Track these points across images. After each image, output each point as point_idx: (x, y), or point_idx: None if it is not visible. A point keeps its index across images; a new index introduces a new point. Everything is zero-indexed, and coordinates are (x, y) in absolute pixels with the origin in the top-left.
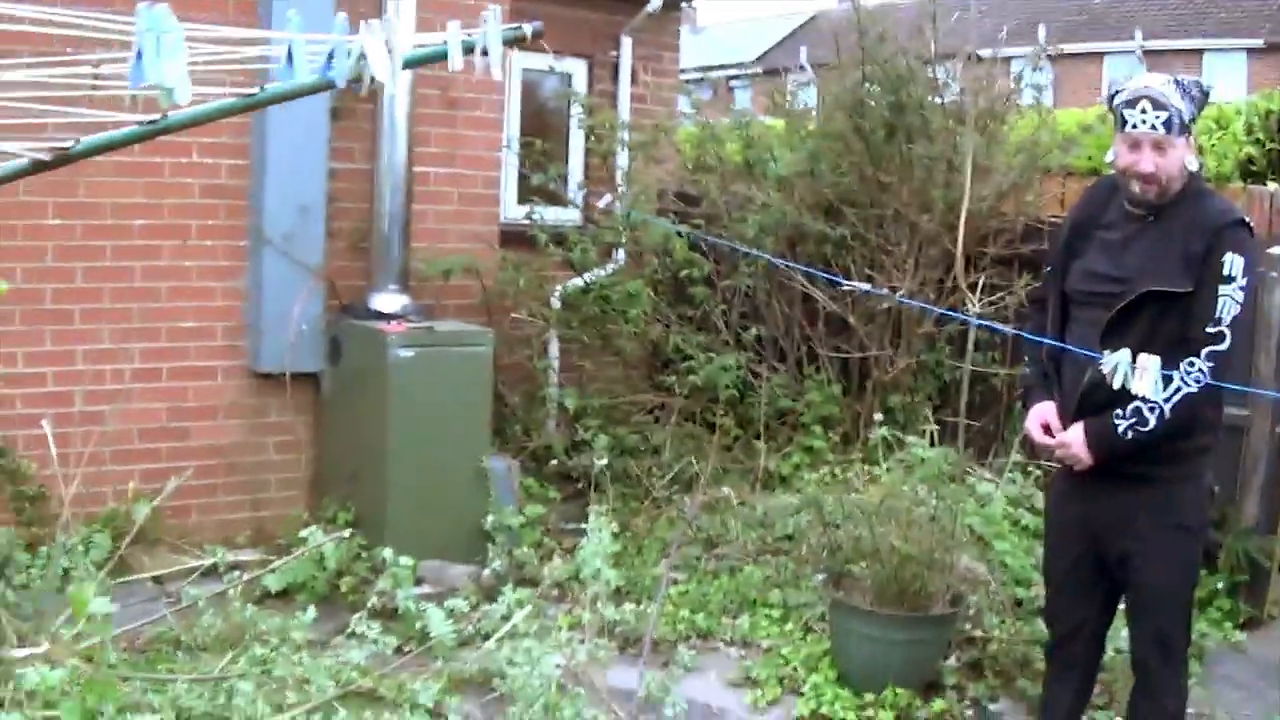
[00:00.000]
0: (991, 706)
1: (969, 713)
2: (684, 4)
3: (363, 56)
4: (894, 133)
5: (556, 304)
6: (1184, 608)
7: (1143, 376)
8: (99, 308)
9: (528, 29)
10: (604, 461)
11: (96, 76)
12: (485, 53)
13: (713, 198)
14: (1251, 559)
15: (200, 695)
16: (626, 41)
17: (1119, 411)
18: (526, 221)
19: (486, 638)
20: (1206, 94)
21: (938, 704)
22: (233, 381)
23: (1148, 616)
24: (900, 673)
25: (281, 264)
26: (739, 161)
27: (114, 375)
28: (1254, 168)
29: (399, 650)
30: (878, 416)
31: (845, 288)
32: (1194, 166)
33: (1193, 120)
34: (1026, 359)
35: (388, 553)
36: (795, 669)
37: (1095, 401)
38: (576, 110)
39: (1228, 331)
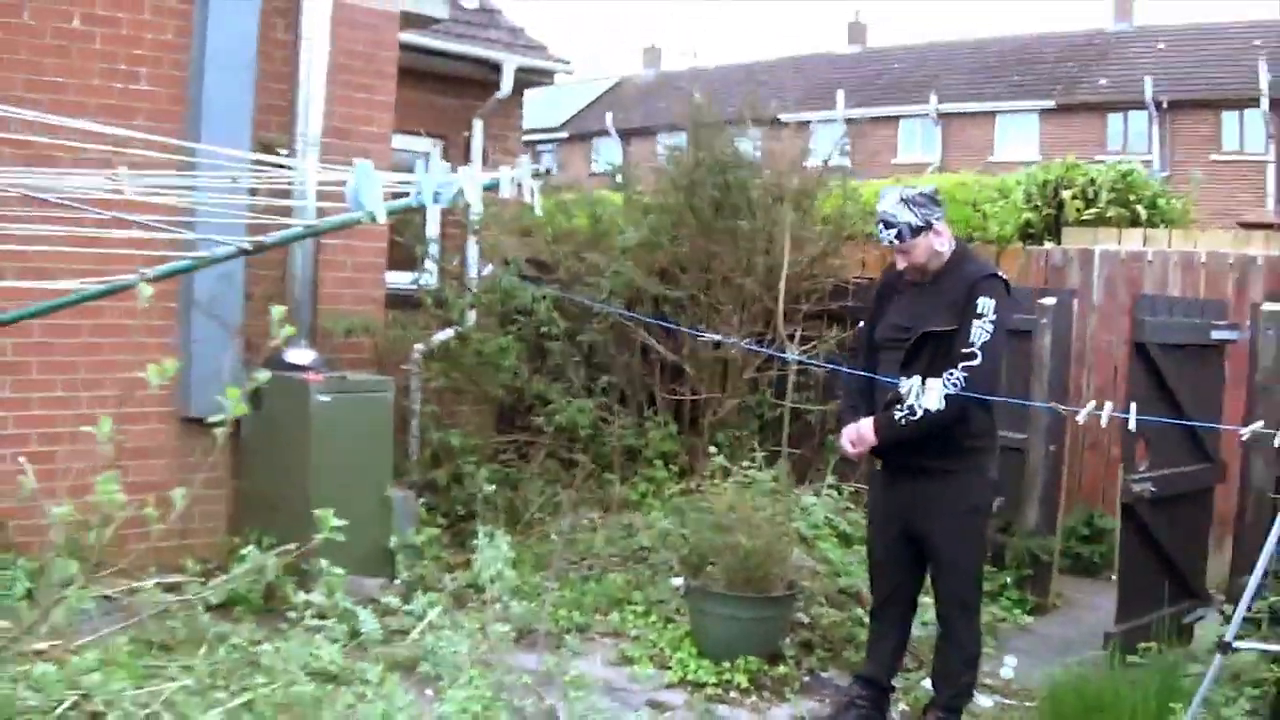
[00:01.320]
0: (823, 674)
1: (805, 677)
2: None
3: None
4: (721, 208)
5: (419, 357)
6: (975, 571)
7: (928, 394)
8: (52, 360)
9: (543, 168)
10: (492, 488)
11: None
12: (519, 185)
13: (567, 265)
14: (1034, 556)
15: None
16: (478, 124)
17: (898, 407)
18: (409, 287)
19: (405, 634)
20: (933, 197)
21: (781, 669)
22: (164, 426)
23: (946, 580)
24: (749, 645)
25: (207, 323)
26: (587, 232)
27: (63, 419)
28: (1031, 230)
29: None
30: (712, 449)
31: (696, 336)
32: (942, 248)
33: (925, 221)
34: (841, 395)
35: (323, 563)
36: (662, 649)
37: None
38: None
39: (979, 352)
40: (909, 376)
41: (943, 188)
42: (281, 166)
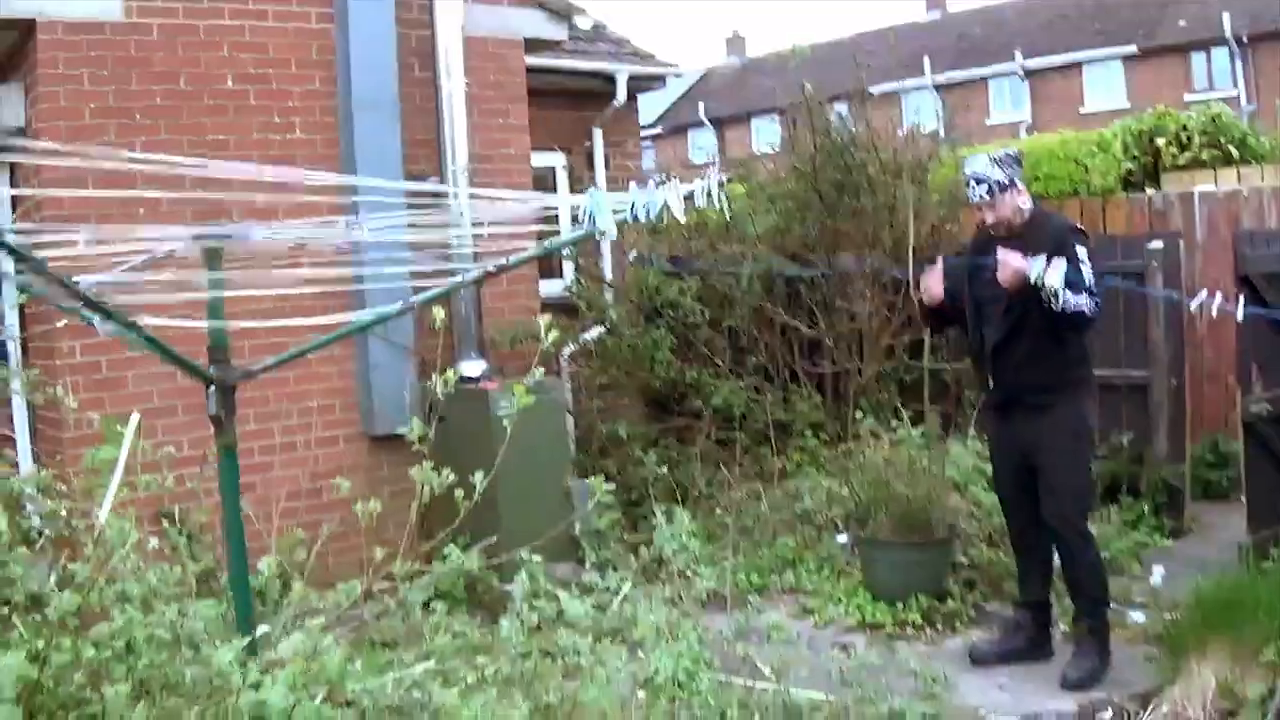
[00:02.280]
0: (987, 607)
1: (972, 611)
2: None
3: (666, 206)
4: (844, 189)
5: (567, 358)
6: (1082, 493)
7: (1054, 271)
8: (243, 395)
9: (724, 177)
10: (663, 469)
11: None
12: (709, 194)
13: (706, 256)
14: (1167, 483)
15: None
16: (597, 133)
17: (1044, 284)
18: (559, 294)
19: (602, 610)
20: (1017, 158)
21: (949, 605)
22: (352, 446)
23: (1055, 502)
24: (919, 586)
25: (383, 347)
26: (719, 224)
27: (261, 450)
28: (1132, 179)
29: (539, 628)
30: (858, 414)
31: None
32: (1025, 205)
33: (1010, 180)
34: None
35: (523, 553)
36: (839, 598)
37: (1006, 354)
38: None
39: (1095, 288)
40: (1011, 322)
41: (1045, 146)
42: (499, 200)
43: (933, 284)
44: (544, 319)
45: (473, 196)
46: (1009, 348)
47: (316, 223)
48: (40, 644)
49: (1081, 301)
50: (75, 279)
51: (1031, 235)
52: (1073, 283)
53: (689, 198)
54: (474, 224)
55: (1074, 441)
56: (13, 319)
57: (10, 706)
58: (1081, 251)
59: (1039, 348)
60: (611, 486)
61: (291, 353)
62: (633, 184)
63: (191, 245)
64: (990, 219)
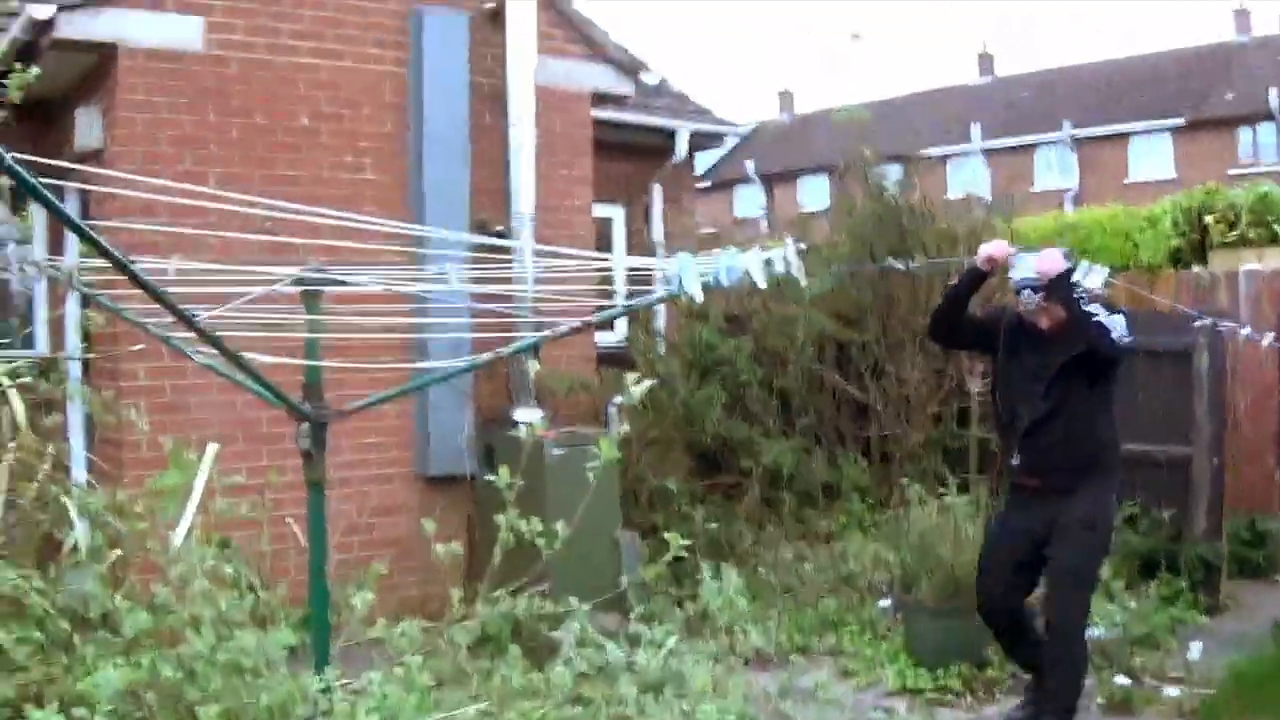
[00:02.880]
0: (1025, 676)
1: (1010, 680)
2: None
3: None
4: (897, 254)
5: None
6: (1090, 586)
7: (1091, 274)
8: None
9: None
10: (713, 526)
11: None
12: (787, 261)
13: (759, 316)
14: (1205, 561)
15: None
16: (656, 188)
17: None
18: (614, 345)
19: (647, 662)
20: (1069, 255)
21: (989, 672)
22: (406, 485)
23: (1063, 593)
24: (959, 653)
25: (441, 391)
26: (773, 284)
27: None
28: (1180, 255)
29: (584, 675)
30: (904, 480)
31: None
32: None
33: (1061, 280)
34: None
35: (573, 600)
36: (880, 661)
37: (1040, 434)
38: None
39: (1122, 330)
40: (1048, 403)
41: (1095, 220)
42: (558, 255)
43: (995, 249)
44: (629, 376)
45: (545, 253)
46: (1044, 427)
47: (404, 270)
48: (118, 661)
49: (1118, 321)
50: (191, 310)
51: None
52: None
53: (769, 264)
54: (552, 280)
55: (1092, 534)
56: (76, 340)
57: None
58: (1095, 307)
59: (1074, 429)
60: (683, 542)
61: (389, 394)
62: (719, 249)
63: (290, 286)
64: (1043, 325)
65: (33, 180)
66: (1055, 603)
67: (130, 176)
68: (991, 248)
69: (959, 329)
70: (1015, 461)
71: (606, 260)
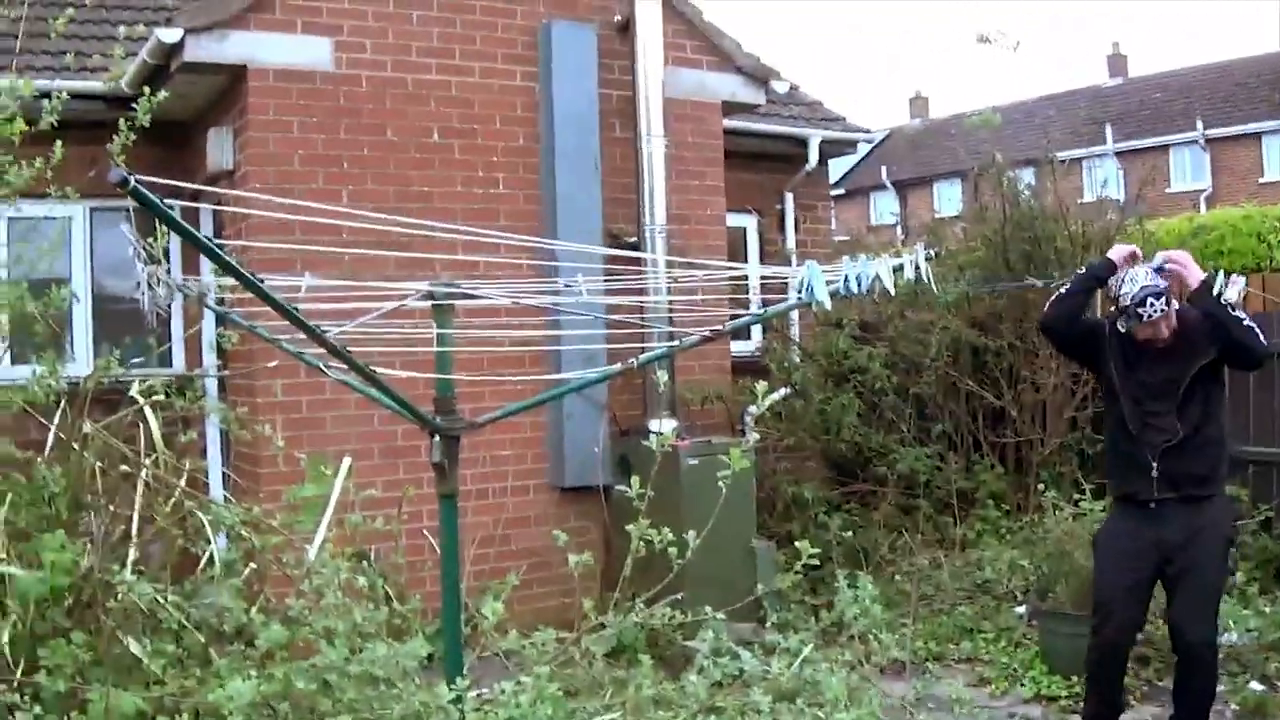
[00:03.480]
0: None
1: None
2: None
3: (877, 277)
4: (1032, 260)
5: (750, 420)
6: (1218, 598)
7: (1231, 285)
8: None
9: (929, 253)
10: (849, 534)
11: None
12: (917, 267)
13: (894, 323)
14: None
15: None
16: (789, 196)
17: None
18: (747, 354)
19: (781, 673)
20: (1162, 268)
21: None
22: (541, 496)
23: (1201, 610)
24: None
25: (576, 402)
26: (909, 291)
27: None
28: None
29: (719, 684)
30: (1040, 486)
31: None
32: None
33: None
34: (1068, 286)
35: (708, 609)
36: (1015, 669)
37: (1181, 446)
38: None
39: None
40: (1188, 414)
41: (1227, 221)
42: (688, 265)
43: (1123, 250)
44: (760, 385)
45: (678, 263)
46: (1184, 439)
47: (530, 283)
48: (254, 673)
49: (1252, 323)
50: (322, 327)
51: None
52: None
53: (898, 270)
54: (684, 290)
55: (1225, 545)
56: (211, 358)
57: None
58: (1228, 306)
59: (1207, 437)
60: (815, 550)
61: (520, 405)
62: (845, 257)
63: (420, 302)
64: (1164, 336)
65: (157, 200)
66: (1199, 616)
67: (257, 196)
68: (1127, 250)
69: (1076, 325)
70: (1155, 475)
71: (737, 270)
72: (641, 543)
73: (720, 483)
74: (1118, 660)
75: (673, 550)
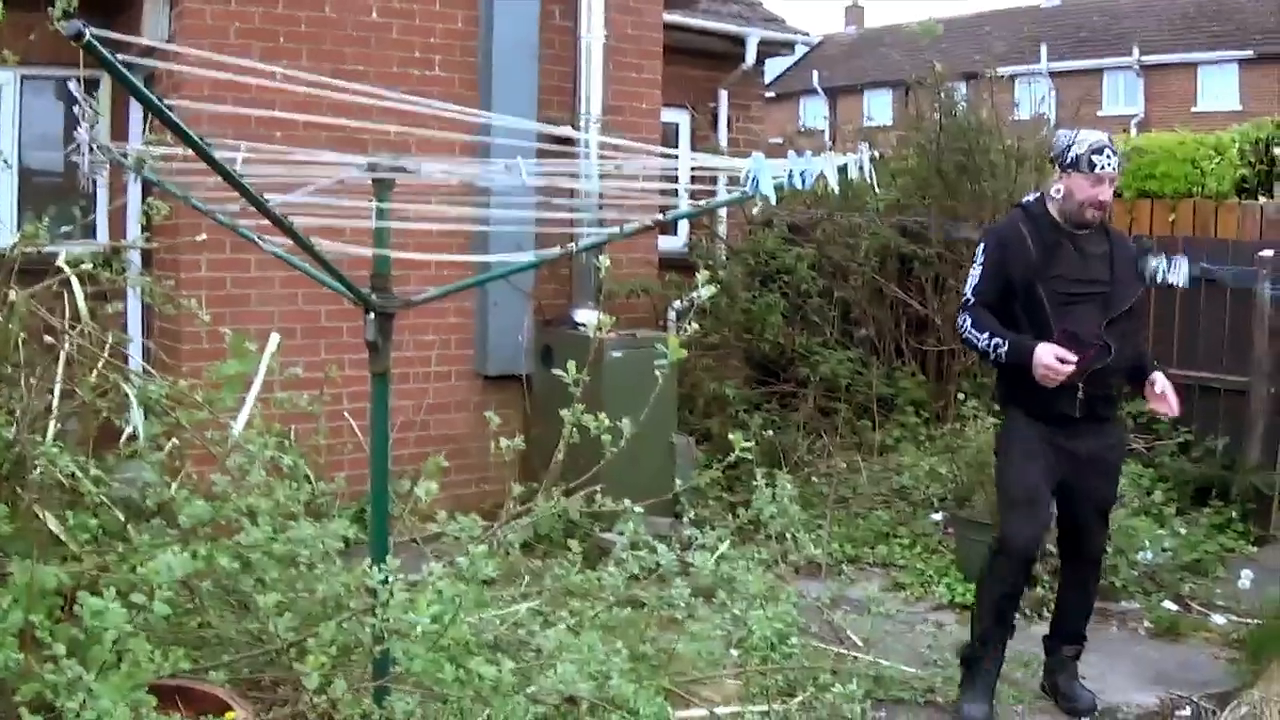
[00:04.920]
0: None
1: (1053, 596)
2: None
3: (821, 175)
4: (966, 171)
5: (674, 315)
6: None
7: (1177, 270)
8: (360, 325)
9: (876, 151)
10: (769, 433)
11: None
12: (861, 167)
13: (824, 228)
14: (1257, 490)
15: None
16: (723, 94)
17: (1154, 365)
18: (675, 250)
19: (697, 567)
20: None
21: (1039, 591)
22: (463, 383)
23: (1097, 535)
24: None
25: (502, 289)
26: (838, 196)
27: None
28: (1246, 186)
29: (634, 577)
30: (960, 396)
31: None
32: None
33: None
34: (990, 335)
35: (626, 502)
36: (930, 575)
37: (1100, 377)
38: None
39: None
40: (1113, 333)
41: (1162, 146)
42: (625, 150)
43: (1049, 357)
44: (700, 275)
45: (622, 149)
46: (1117, 355)
47: (470, 162)
48: (175, 549)
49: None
50: (268, 198)
51: (1102, 237)
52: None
53: (843, 169)
54: (619, 174)
55: (1122, 463)
56: (136, 231)
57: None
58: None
59: (1128, 358)
60: (745, 444)
61: (456, 285)
62: (791, 152)
63: (363, 174)
64: (1106, 197)
65: (114, 59)
66: (1095, 534)
67: (195, 52)
68: (1052, 357)
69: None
70: (1080, 395)
71: (676, 158)
72: (556, 432)
73: (658, 374)
74: (1029, 569)
75: (606, 438)
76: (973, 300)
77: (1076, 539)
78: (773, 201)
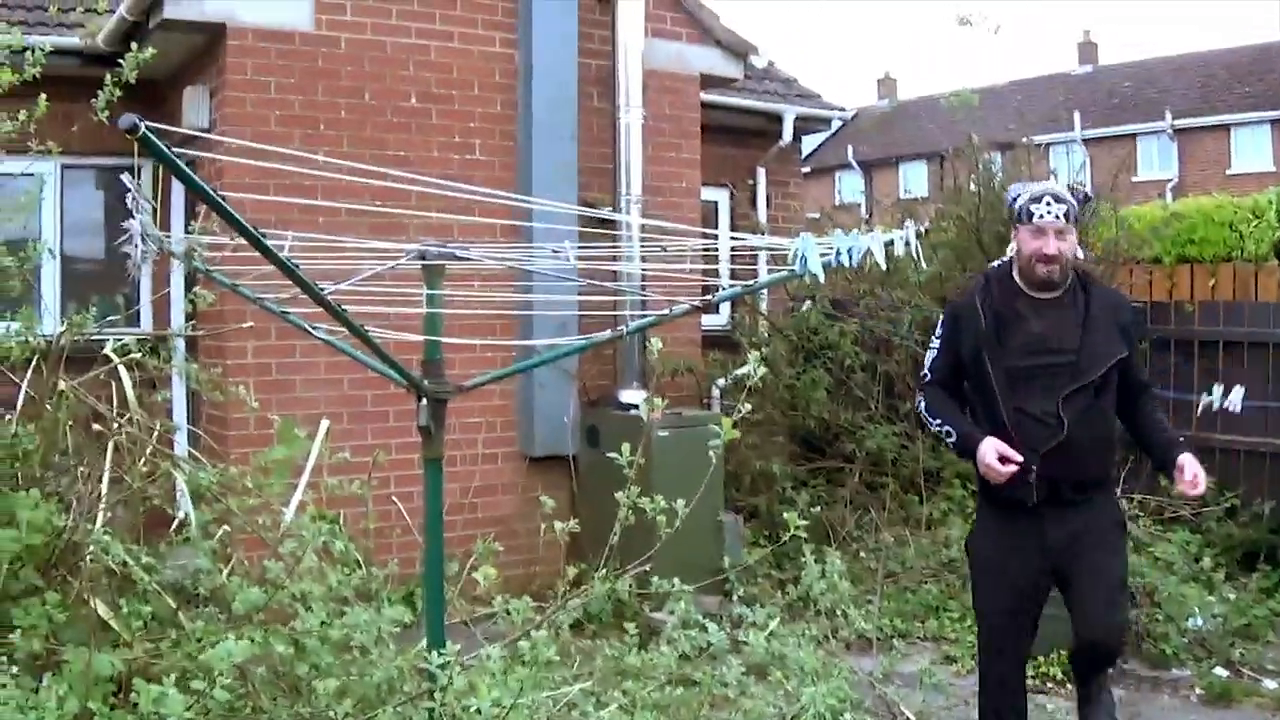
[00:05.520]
0: (1125, 666)
1: (1110, 670)
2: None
3: (869, 252)
4: (1005, 243)
5: (718, 393)
6: (1125, 587)
7: (1233, 399)
8: (405, 408)
9: (922, 227)
10: (817, 509)
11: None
12: (907, 243)
13: (865, 301)
14: None
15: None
16: (761, 172)
17: (1181, 438)
18: (717, 328)
19: (747, 644)
20: (1089, 198)
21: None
22: (509, 465)
23: (1102, 598)
24: (1060, 642)
25: (548, 372)
26: (880, 270)
27: (418, 463)
28: None
29: (685, 656)
30: None
31: None
32: (1077, 254)
33: (1078, 218)
34: (942, 423)
35: (675, 581)
36: None
37: (1062, 451)
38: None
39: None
40: (1074, 407)
41: (1200, 210)
42: (666, 231)
43: (991, 453)
44: (752, 355)
45: (667, 231)
46: (1077, 431)
47: (515, 247)
48: (232, 637)
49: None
50: (320, 285)
51: (1078, 298)
52: (1143, 374)
53: (889, 245)
54: (663, 255)
55: (1119, 531)
56: (179, 319)
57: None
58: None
59: (1100, 434)
60: (801, 521)
61: (509, 370)
62: (838, 230)
63: (413, 260)
64: (1052, 250)
65: (168, 151)
66: (1114, 612)
67: (239, 142)
68: (994, 453)
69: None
70: (1031, 479)
71: (741, 240)
72: (604, 512)
73: (710, 453)
74: (1009, 689)
75: (661, 519)
76: (929, 378)
77: (1080, 623)
78: (820, 279)
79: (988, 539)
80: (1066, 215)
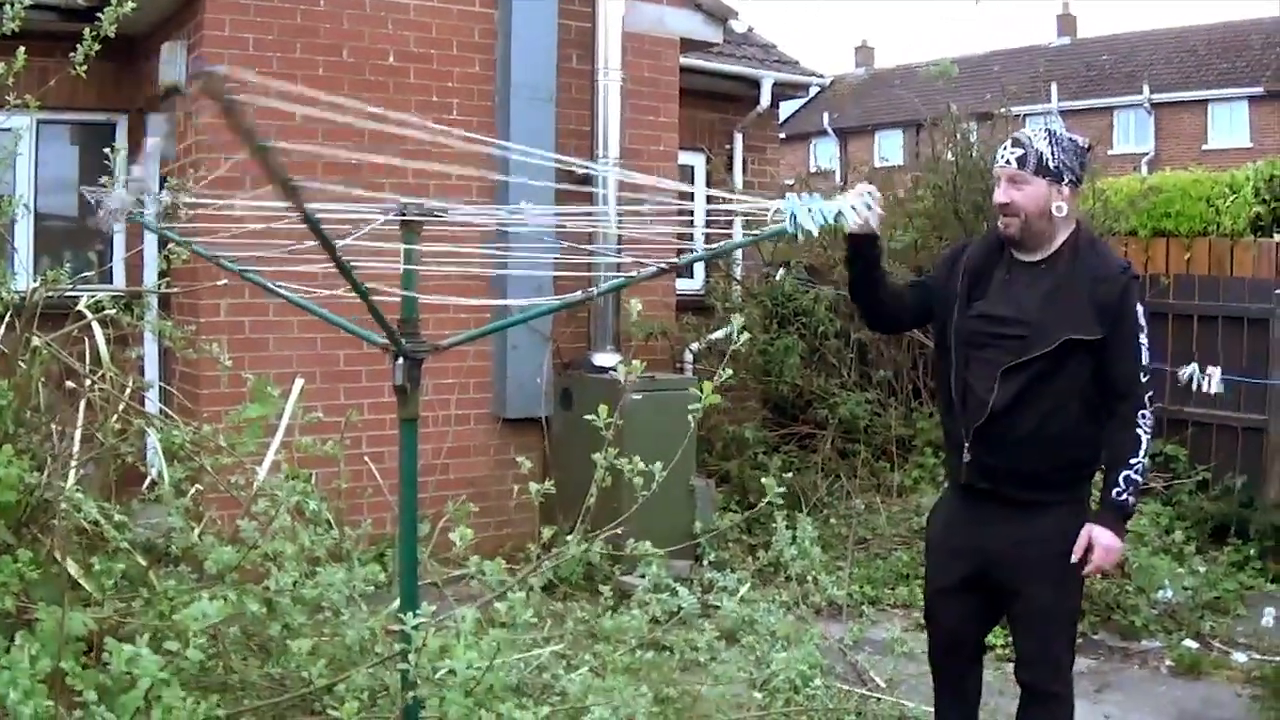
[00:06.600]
0: (1094, 636)
1: (1080, 640)
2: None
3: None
4: (982, 211)
5: (691, 357)
6: (1071, 630)
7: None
8: (379, 368)
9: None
10: (788, 475)
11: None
12: (869, 206)
13: (840, 269)
14: (1276, 527)
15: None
16: (738, 137)
17: (1117, 489)
18: (692, 292)
19: (718, 609)
20: (1084, 148)
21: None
22: (482, 427)
23: (1037, 637)
24: None
25: (522, 333)
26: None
27: (391, 423)
28: (1261, 223)
29: (656, 620)
30: None
31: None
32: (1058, 213)
33: (1064, 168)
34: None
35: (646, 544)
36: None
37: (1004, 415)
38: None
39: (1148, 377)
40: (1011, 387)
41: (1177, 184)
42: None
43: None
44: (735, 319)
45: (646, 187)
46: (1010, 415)
47: (495, 207)
48: (206, 596)
49: (1148, 429)
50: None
51: (1073, 272)
52: (1129, 375)
53: (854, 210)
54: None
55: (1068, 566)
56: (152, 277)
57: (199, 649)
58: (1142, 317)
59: (1050, 427)
60: (778, 489)
61: (484, 329)
62: (815, 193)
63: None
64: (1002, 199)
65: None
66: (1045, 652)
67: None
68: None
69: (883, 310)
70: (966, 459)
71: (722, 196)
72: (577, 475)
73: (689, 418)
74: (952, 674)
75: (638, 482)
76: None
77: (1027, 659)
78: (814, 235)
79: (937, 513)
80: (1022, 160)
